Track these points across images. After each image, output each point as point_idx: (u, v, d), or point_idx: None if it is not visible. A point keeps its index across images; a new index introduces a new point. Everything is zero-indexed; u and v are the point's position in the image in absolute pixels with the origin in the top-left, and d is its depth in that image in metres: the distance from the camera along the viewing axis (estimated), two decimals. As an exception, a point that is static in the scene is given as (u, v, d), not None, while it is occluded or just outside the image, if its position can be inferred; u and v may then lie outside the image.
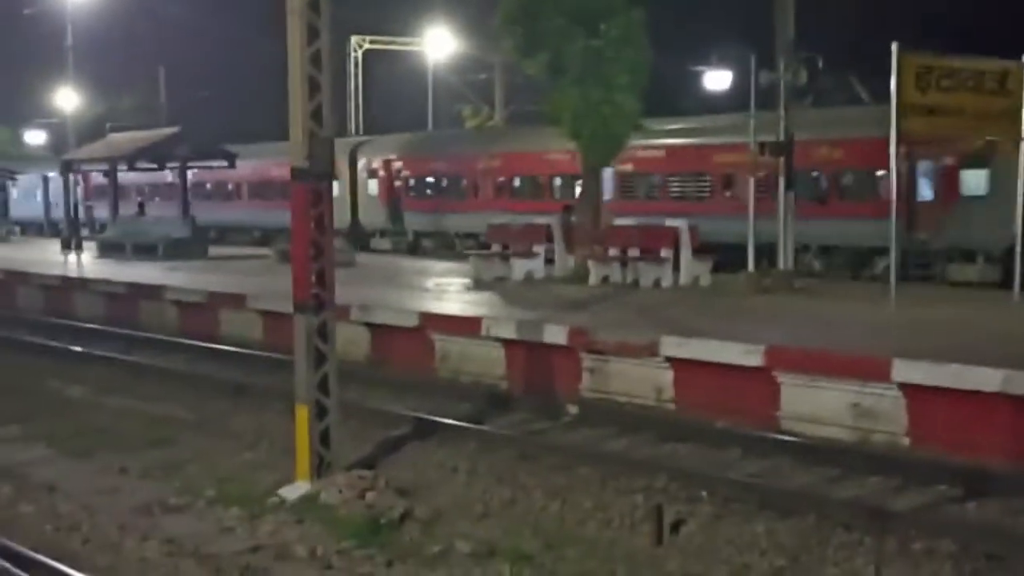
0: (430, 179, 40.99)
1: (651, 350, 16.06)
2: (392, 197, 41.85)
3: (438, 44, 60.97)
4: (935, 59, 19.59)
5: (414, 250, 40.07)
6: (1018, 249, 20.22)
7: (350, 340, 19.48)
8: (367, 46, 64.96)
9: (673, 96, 45.22)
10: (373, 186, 42.77)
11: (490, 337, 18.17)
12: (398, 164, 41.85)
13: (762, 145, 23.79)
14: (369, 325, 20.27)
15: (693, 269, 24.40)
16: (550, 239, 26.68)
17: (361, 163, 43.31)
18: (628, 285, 24.19)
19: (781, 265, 23.50)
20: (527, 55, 24.98)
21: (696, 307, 20.33)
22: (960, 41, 22.75)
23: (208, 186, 48.86)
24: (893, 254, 19.79)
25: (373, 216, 42.52)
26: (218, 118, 65.35)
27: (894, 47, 18.92)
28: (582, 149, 25.31)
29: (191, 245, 35.95)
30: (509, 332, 17.91)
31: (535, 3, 24.39)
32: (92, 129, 54.73)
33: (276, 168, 40.78)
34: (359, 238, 41.23)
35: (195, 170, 42.58)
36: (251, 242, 45.50)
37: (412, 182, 41.54)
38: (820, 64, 23.79)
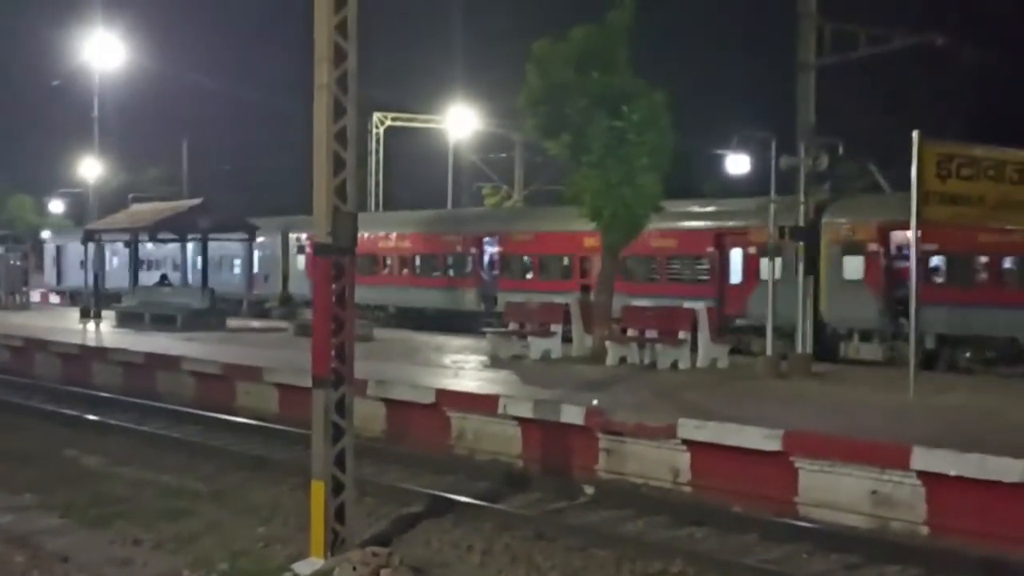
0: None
1: (668, 432, 16.01)
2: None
3: (459, 121, 61.49)
4: (956, 147, 19.70)
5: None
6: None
7: (367, 416, 19.43)
8: (389, 122, 65.52)
9: (694, 178, 45.59)
10: (300, 261, 45.36)
11: (507, 415, 18.12)
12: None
13: (782, 229, 23.84)
14: (386, 401, 20.24)
15: (711, 352, 24.39)
16: (568, 318, 26.71)
17: (292, 238, 46.14)
18: (645, 366, 24.17)
19: (799, 349, 23.42)
20: (549, 135, 25.19)
21: (714, 390, 20.30)
22: (982, 129, 22.96)
23: None
24: (913, 340, 19.66)
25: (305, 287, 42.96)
26: (240, 191, 65.98)
27: (915, 135, 19.03)
28: (602, 230, 25.39)
29: (209, 316, 36.03)
30: (526, 411, 17.87)
31: (560, 85, 24.63)
32: (115, 199, 55.21)
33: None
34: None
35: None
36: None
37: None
38: (840, 150, 23.92)
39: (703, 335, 24.36)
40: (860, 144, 34.52)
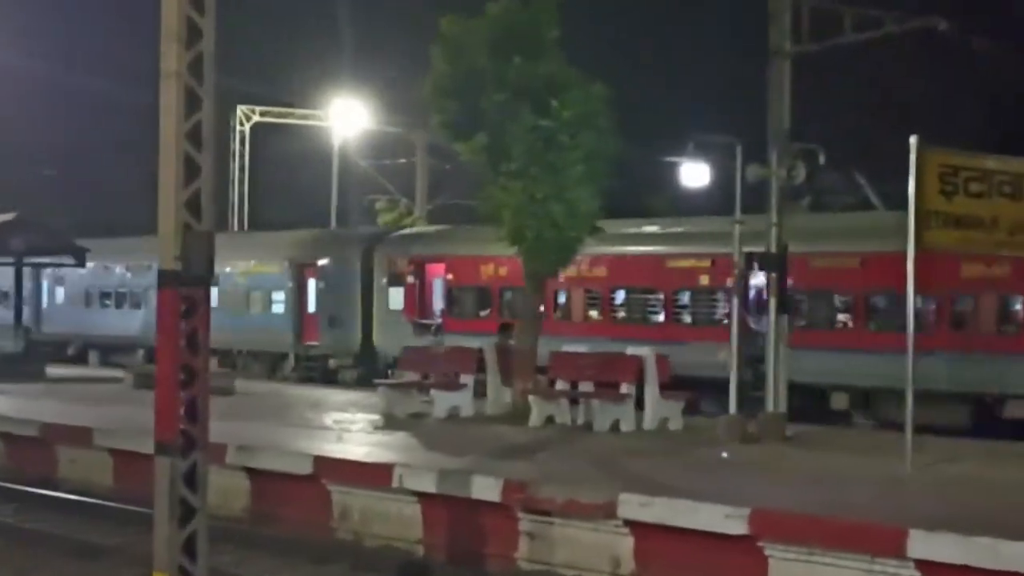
0: None
1: (607, 511, 15.98)
2: None
3: (346, 117, 60.68)
4: (964, 158, 19.86)
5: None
6: None
7: (226, 490, 19.23)
8: (257, 118, 65.18)
9: (641, 192, 45.85)
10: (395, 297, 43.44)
11: (403, 490, 18.01)
12: None
13: (750, 257, 23.96)
14: (250, 471, 20.06)
15: (661, 409, 24.45)
16: (482, 367, 26.70)
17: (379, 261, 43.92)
18: (579, 428, 24.17)
19: (770, 406, 23.54)
20: (460, 136, 25.28)
21: (664, 458, 20.33)
22: (992, 136, 23.32)
23: None
24: (910, 399, 19.81)
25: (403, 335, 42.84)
26: (69, 202, 65.20)
27: (913, 141, 19.03)
28: (524, 255, 25.48)
29: (25, 362, 35.48)
30: (427, 484, 17.77)
31: (473, 73, 24.73)
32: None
33: None
34: None
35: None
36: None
37: None
38: (821, 158, 24.11)
39: (651, 388, 24.39)
40: (847, 151, 35.00)
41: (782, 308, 23.85)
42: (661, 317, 33.85)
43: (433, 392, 26.40)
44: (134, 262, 47.49)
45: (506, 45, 24.72)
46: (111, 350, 48.62)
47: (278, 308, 43.92)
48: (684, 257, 33.43)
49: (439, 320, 38.70)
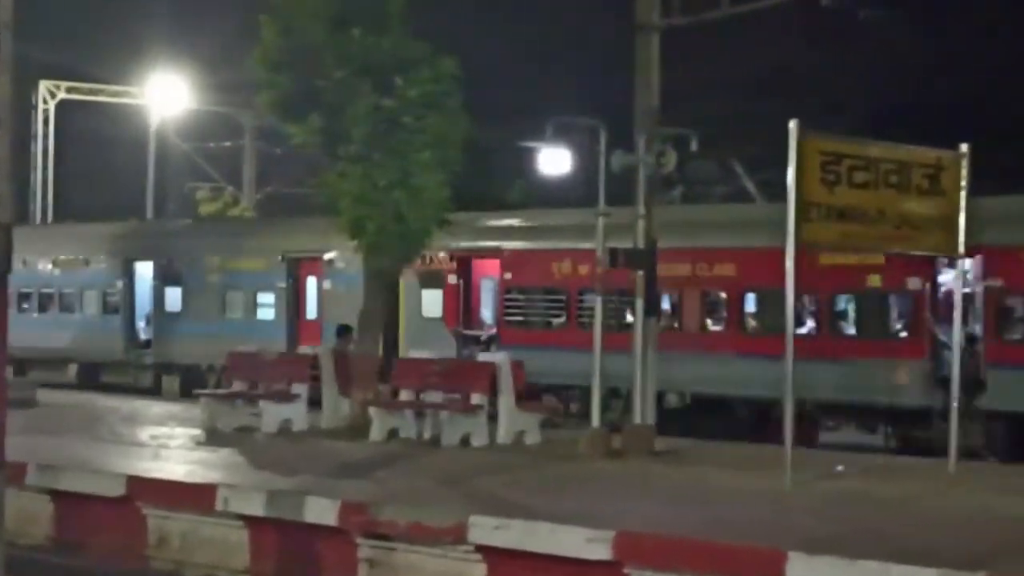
0: None
1: (456, 535, 16.00)
2: None
3: (165, 95, 60.00)
4: (847, 144, 20.15)
5: None
6: None
7: (26, 514, 18.97)
8: (63, 95, 64.24)
9: (495, 181, 45.83)
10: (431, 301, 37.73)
11: (228, 513, 17.91)
12: None
13: (614, 253, 24.06)
14: (54, 493, 19.80)
15: (517, 422, 24.51)
16: (317, 376, 26.63)
17: None
18: (425, 442, 24.21)
19: (638, 418, 23.76)
20: (293, 117, 25.21)
21: (520, 475, 20.37)
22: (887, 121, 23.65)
23: None
24: (790, 411, 19.99)
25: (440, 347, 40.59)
26: None
27: (792, 126, 19.23)
28: (364, 250, 25.54)
29: None
30: (255, 507, 17.69)
31: (308, 47, 24.67)
32: None
33: None
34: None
35: None
36: None
37: None
38: (694, 144, 24.31)
39: (506, 398, 24.45)
40: (723, 137, 35.27)
41: (650, 310, 24.01)
42: (810, 326, 29.34)
43: (262, 404, 26.28)
44: (65, 257, 44.03)
45: (345, 16, 24.65)
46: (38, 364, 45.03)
47: (266, 313, 38.65)
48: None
49: (492, 330, 34.45)
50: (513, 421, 24.50)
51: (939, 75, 46.54)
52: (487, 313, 35.64)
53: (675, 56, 24.64)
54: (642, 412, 23.66)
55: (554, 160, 30.04)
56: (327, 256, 36.25)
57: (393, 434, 24.70)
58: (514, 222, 35.13)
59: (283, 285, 37.96)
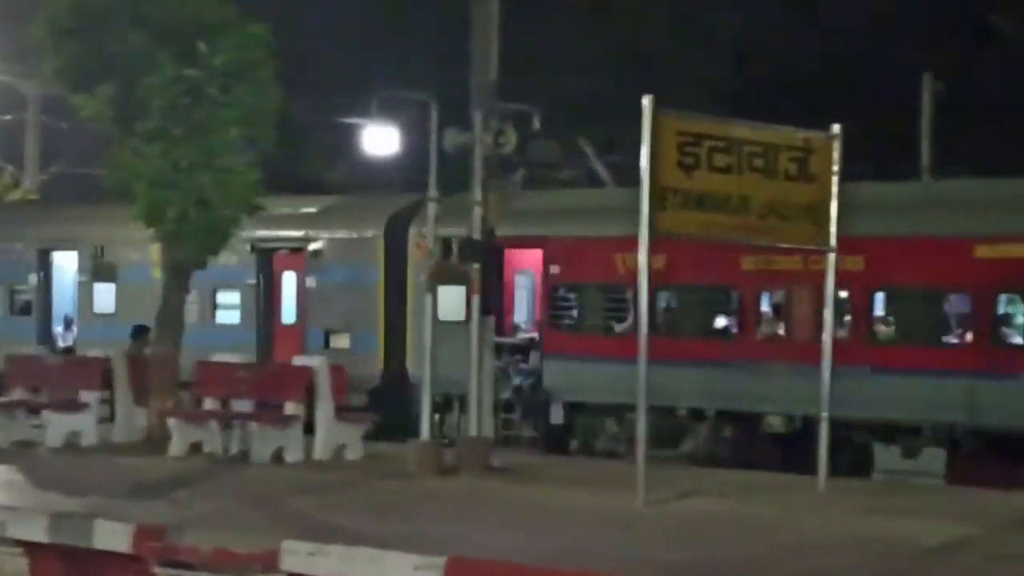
0: None
1: (266, 562, 15.51)
2: None
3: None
4: (708, 124, 20.10)
5: None
6: None
7: None
8: None
9: (316, 163, 45.49)
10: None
11: (5, 539, 17.28)
12: None
13: (445, 243, 23.93)
14: None
15: (336, 435, 24.38)
16: (110, 382, 26.19)
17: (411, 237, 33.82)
18: (233, 458, 24.10)
19: (473, 431, 23.54)
20: (82, 87, 24.86)
21: (340, 495, 20.41)
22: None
23: None
24: (642, 418, 19.89)
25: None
26: None
27: (646, 102, 19.16)
28: (163, 240, 25.34)
29: None
30: (36, 532, 16.99)
31: (100, 8, 24.42)
32: None
33: None
34: None
35: None
36: None
37: None
38: (536, 122, 24.18)
39: (324, 408, 24.32)
40: (571, 115, 35.17)
41: (486, 308, 23.86)
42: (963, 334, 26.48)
43: (45, 414, 25.86)
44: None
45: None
46: None
47: (229, 317, 35.11)
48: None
49: (531, 335, 31.48)
50: (332, 434, 24.37)
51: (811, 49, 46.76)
52: (522, 315, 32.61)
53: (519, 25, 24.54)
54: (478, 423, 23.58)
55: (380, 139, 29.57)
56: (312, 247, 33.53)
57: (196, 449, 24.49)
58: (564, 202, 31.82)
59: (253, 282, 34.28)
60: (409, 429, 27.36)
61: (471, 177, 23.74)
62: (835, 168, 20.73)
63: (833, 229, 20.80)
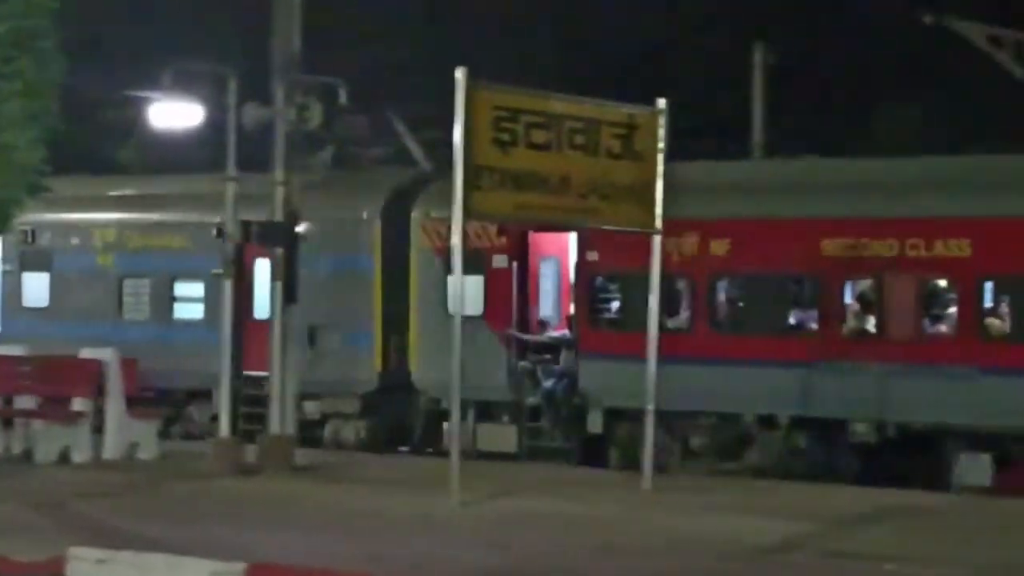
0: None
1: (52, 570, 15.48)
2: None
3: None
4: (525, 98, 20.16)
5: None
6: None
7: None
8: None
9: (106, 140, 45.03)
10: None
11: None
12: None
13: (246, 226, 23.82)
14: None
15: (128, 432, 24.26)
16: None
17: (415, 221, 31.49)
18: (15, 458, 23.89)
19: (276, 428, 23.54)
20: None
21: (132, 497, 20.29)
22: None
23: None
24: (455, 415, 19.91)
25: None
26: None
27: (459, 74, 19.22)
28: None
29: None
30: None
31: None
32: None
33: None
34: None
35: None
36: None
37: None
38: (343, 96, 24.14)
39: (114, 404, 24.21)
40: (384, 89, 35.04)
41: (289, 297, 23.80)
42: None
43: None
44: None
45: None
46: None
47: (189, 311, 32.93)
48: None
49: (561, 333, 29.39)
50: (123, 431, 24.28)
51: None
52: (548, 308, 30.17)
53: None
54: (281, 420, 23.52)
55: (171, 114, 29.13)
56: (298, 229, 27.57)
57: (-31, 449, 24.31)
58: None
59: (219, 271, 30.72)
60: (413, 440, 28.26)
61: (272, 155, 23.72)
62: (660, 145, 20.89)
63: (659, 211, 20.96)
